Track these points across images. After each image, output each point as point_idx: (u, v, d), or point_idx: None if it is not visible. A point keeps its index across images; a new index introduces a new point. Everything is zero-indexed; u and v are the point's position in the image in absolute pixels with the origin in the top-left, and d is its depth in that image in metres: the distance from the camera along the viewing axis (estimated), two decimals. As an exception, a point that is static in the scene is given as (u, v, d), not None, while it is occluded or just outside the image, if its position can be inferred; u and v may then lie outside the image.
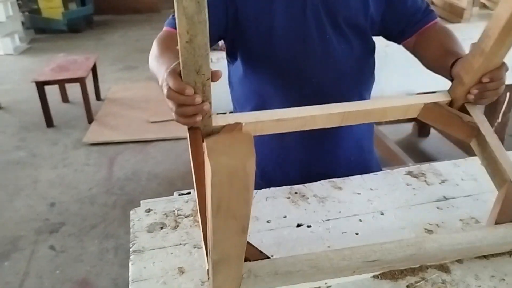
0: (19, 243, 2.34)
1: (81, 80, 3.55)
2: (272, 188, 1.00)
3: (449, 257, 0.77)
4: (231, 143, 0.47)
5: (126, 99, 4.14)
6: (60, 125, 3.70)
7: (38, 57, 5.46)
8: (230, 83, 1.16)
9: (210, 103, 0.76)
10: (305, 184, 1.01)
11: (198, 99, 0.72)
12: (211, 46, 0.73)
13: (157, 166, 3.02)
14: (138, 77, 4.66)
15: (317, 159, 1.10)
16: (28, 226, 2.47)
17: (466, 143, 0.91)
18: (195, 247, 0.84)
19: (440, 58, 0.98)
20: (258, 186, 1.08)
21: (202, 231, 0.72)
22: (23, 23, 6.30)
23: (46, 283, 2.07)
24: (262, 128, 0.89)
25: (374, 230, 0.86)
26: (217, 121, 0.85)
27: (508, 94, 2.26)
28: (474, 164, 1.06)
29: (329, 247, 0.82)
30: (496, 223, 0.79)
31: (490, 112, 2.34)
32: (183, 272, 0.78)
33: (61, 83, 3.78)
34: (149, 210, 0.95)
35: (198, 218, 0.91)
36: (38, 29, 6.51)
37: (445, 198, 0.95)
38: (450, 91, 0.94)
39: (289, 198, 0.97)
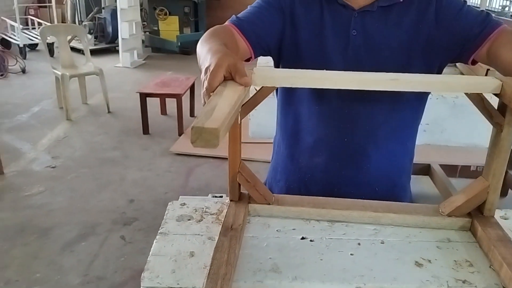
0: (96, 229, 2.67)
1: (177, 96, 3.95)
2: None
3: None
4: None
5: (215, 119, 4.46)
6: (154, 133, 4.12)
7: (149, 72, 6.10)
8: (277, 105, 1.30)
9: None
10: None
11: None
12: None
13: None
14: (231, 101, 5.01)
15: (341, 183, 1.18)
16: (107, 215, 2.81)
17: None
18: (209, 239, 0.98)
19: None
20: None
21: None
22: (143, 41, 7.10)
23: (110, 267, 2.35)
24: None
25: (367, 254, 0.94)
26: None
27: None
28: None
29: (321, 260, 0.92)
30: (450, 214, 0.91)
31: None
32: (192, 256, 0.93)
33: (161, 97, 4.23)
34: (183, 204, 1.12)
35: (221, 217, 1.06)
36: (155, 48, 7.27)
37: (449, 240, 0.98)
38: None
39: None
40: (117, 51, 6.56)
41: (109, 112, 4.59)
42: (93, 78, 4.62)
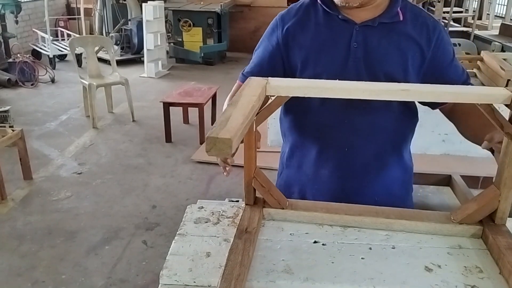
0: (120, 233, 2.75)
1: (199, 106, 4.03)
2: (305, 210, 1.16)
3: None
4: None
5: (236, 128, 4.53)
6: (177, 141, 4.21)
7: (173, 82, 6.22)
8: (280, 119, 1.35)
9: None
10: (335, 213, 1.14)
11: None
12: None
13: (248, 190, 3.27)
14: (252, 110, 5.06)
15: (344, 195, 1.21)
16: (130, 220, 2.89)
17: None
18: (225, 241, 1.03)
19: (481, 133, 1.04)
20: None
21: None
22: (167, 52, 7.25)
23: (133, 270, 2.41)
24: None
25: (378, 259, 0.96)
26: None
27: None
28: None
29: (333, 262, 0.95)
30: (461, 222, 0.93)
31: None
32: (209, 256, 0.97)
33: (184, 106, 4.32)
34: (201, 207, 1.17)
35: (237, 220, 1.10)
36: (179, 59, 7.41)
37: (460, 247, 1.00)
38: None
39: (317, 220, 1.11)
40: (142, 62, 6.72)
41: (133, 120, 4.71)
42: (119, 88, 4.75)
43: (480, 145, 1.05)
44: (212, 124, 4.60)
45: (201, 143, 4.11)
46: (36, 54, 6.83)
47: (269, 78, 1.02)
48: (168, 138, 4.19)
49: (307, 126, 1.24)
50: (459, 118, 1.17)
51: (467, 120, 1.13)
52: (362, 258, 0.97)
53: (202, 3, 7.74)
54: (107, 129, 4.53)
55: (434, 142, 2.64)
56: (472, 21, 6.86)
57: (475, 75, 3.04)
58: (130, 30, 7.26)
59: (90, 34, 7.97)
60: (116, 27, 7.35)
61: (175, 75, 6.72)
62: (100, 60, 5.76)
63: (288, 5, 8.36)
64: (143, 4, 6.45)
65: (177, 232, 1.07)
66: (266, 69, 1.20)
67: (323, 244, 1.01)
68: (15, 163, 3.36)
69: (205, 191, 3.30)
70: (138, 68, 6.83)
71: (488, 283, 0.89)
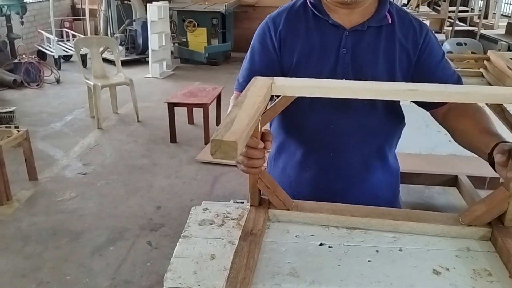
0: (125, 234, 2.74)
1: (204, 106, 4.03)
2: (311, 212, 1.14)
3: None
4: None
5: (241, 128, 4.53)
6: (182, 142, 4.20)
7: (178, 83, 6.23)
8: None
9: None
10: (342, 214, 1.13)
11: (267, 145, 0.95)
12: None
13: (253, 191, 3.26)
14: (257, 110, 5.04)
15: (328, 198, 1.18)
16: (135, 221, 2.88)
17: None
18: (229, 243, 1.01)
19: (475, 137, 1.04)
20: None
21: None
22: (172, 52, 7.25)
23: (137, 271, 2.41)
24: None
25: (385, 261, 0.95)
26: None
27: None
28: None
29: (339, 265, 0.94)
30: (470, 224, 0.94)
31: None
32: (213, 258, 0.96)
33: (189, 106, 4.32)
34: (206, 209, 1.16)
35: (242, 222, 1.09)
36: (183, 59, 7.42)
37: (468, 249, 0.99)
38: None
39: (323, 221, 1.10)
40: (147, 62, 6.72)
41: (138, 121, 4.71)
42: (124, 88, 4.76)
43: (476, 153, 1.06)
44: (217, 124, 4.60)
45: (205, 144, 4.11)
46: (42, 55, 6.85)
47: (275, 77, 1.01)
48: (173, 139, 4.19)
49: (293, 128, 1.24)
50: (454, 123, 1.14)
51: (464, 125, 1.11)
52: (368, 261, 0.95)
53: (206, 3, 7.74)
54: (112, 129, 4.54)
55: (440, 143, 2.61)
56: (478, 20, 6.82)
57: (482, 75, 3.01)
58: (135, 30, 7.27)
59: (95, 34, 7.99)
60: (121, 28, 7.36)
61: (180, 76, 6.72)
62: (105, 60, 5.77)
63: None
64: (148, 5, 6.46)
65: (182, 234, 1.06)
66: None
67: (329, 247, 1.00)
68: (20, 163, 3.37)
69: (209, 191, 3.30)
70: (143, 69, 6.84)
71: (498, 286, 0.87)
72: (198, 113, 4.40)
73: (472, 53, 4.39)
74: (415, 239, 1.03)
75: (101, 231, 2.77)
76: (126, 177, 3.51)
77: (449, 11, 6.84)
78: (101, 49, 5.67)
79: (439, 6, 7.50)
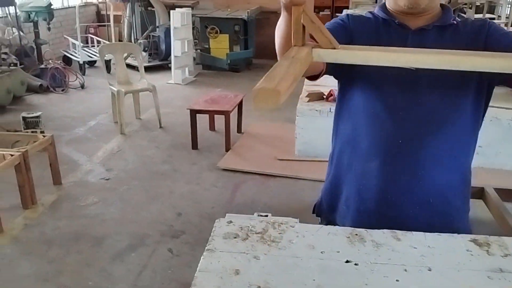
0: (146, 240, 2.76)
1: (226, 113, 4.04)
2: (336, 227, 1.13)
3: None
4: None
5: (261, 135, 4.52)
6: (203, 148, 4.22)
7: (200, 89, 6.26)
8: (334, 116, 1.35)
9: None
10: (368, 230, 1.10)
11: None
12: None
13: (273, 199, 3.25)
14: (278, 118, 4.97)
15: (394, 190, 1.19)
16: (156, 227, 2.90)
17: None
18: (254, 258, 1.00)
19: None
20: (337, 212, 1.23)
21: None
22: (194, 59, 7.31)
23: (158, 278, 2.41)
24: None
25: (414, 282, 0.92)
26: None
27: None
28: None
29: (366, 284, 0.92)
30: None
31: None
32: (238, 274, 0.95)
33: (210, 113, 4.34)
34: (230, 222, 1.15)
35: (266, 236, 1.08)
36: (205, 65, 7.46)
37: (501, 271, 0.95)
38: None
39: (348, 237, 1.08)
40: (170, 68, 6.78)
41: (160, 127, 4.75)
42: (147, 94, 4.81)
43: None
44: (238, 131, 4.61)
45: (226, 151, 4.11)
46: (67, 60, 6.99)
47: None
48: (194, 145, 4.21)
49: (360, 116, 1.23)
50: None
51: None
52: (396, 280, 0.93)
53: (229, 10, 7.78)
54: (134, 135, 4.59)
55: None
56: (505, 28, 6.68)
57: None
58: (158, 36, 7.36)
59: (119, 40, 8.12)
60: (144, 34, 7.46)
61: (202, 82, 6.76)
62: (129, 66, 5.85)
63: (314, 10, 8.26)
64: (171, 11, 6.53)
65: (206, 248, 1.05)
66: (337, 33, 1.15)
67: (355, 264, 0.98)
68: (45, 168, 3.43)
69: (230, 199, 3.29)
70: (165, 75, 6.91)
71: (533, 311, 0.84)
72: (219, 120, 4.41)
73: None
74: (445, 258, 1.00)
75: (122, 236, 2.79)
76: (148, 182, 3.54)
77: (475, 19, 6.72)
78: (125, 55, 5.75)
79: (464, 13, 7.39)
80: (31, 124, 4.15)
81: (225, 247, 1.05)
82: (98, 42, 7.34)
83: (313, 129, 2.32)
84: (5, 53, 5.92)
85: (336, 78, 1.30)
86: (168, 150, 4.19)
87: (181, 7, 6.79)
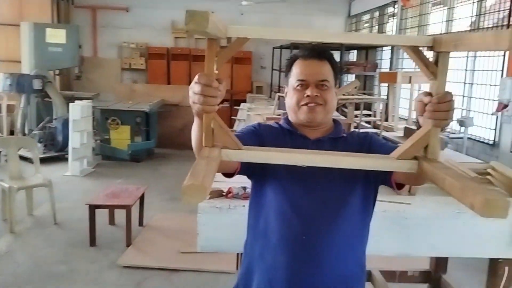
0: None
1: (127, 208, 4.01)
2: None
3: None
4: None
5: (164, 228, 4.52)
6: (102, 245, 4.07)
7: (99, 180, 6.12)
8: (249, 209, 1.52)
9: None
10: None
11: (220, 87, 1.05)
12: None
13: (177, 296, 3.22)
14: (181, 209, 5.00)
15: (301, 281, 1.37)
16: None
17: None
18: None
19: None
20: None
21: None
22: (93, 149, 7.18)
23: None
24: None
25: None
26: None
27: (507, 268, 2.37)
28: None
29: None
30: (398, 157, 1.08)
31: (491, 285, 2.42)
32: None
33: (111, 208, 4.27)
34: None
35: None
36: (105, 156, 7.36)
37: None
38: None
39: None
40: (66, 159, 6.57)
41: (55, 223, 4.51)
42: (41, 188, 4.60)
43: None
44: (139, 224, 4.55)
45: (127, 246, 4.02)
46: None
47: (228, 25, 1.07)
48: (93, 242, 4.05)
49: (271, 212, 1.41)
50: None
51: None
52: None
53: (130, 102, 7.95)
54: (26, 233, 4.30)
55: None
56: (380, 123, 7.64)
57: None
58: (54, 127, 7.18)
59: (11, 131, 7.74)
60: (40, 125, 7.24)
61: (101, 173, 6.63)
62: (22, 157, 5.58)
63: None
64: (71, 104, 6.48)
65: None
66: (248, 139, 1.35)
67: None
68: None
69: (132, 298, 3.19)
70: (62, 166, 6.66)
71: None
72: (120, 213, 4.34)
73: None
74: None
75: None
76: (41, 286, 3.30)
77: (355, 116, 7.62)
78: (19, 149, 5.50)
79: (347, 108, 8.32)
80: None
81: None
82: (-12, 132, 6.94)
83: (215, 225, 2.44)
84: None
85: (248, 178, 1.50)
86: (64, 249, 3.98)
87: (81, 99, 6.80)
